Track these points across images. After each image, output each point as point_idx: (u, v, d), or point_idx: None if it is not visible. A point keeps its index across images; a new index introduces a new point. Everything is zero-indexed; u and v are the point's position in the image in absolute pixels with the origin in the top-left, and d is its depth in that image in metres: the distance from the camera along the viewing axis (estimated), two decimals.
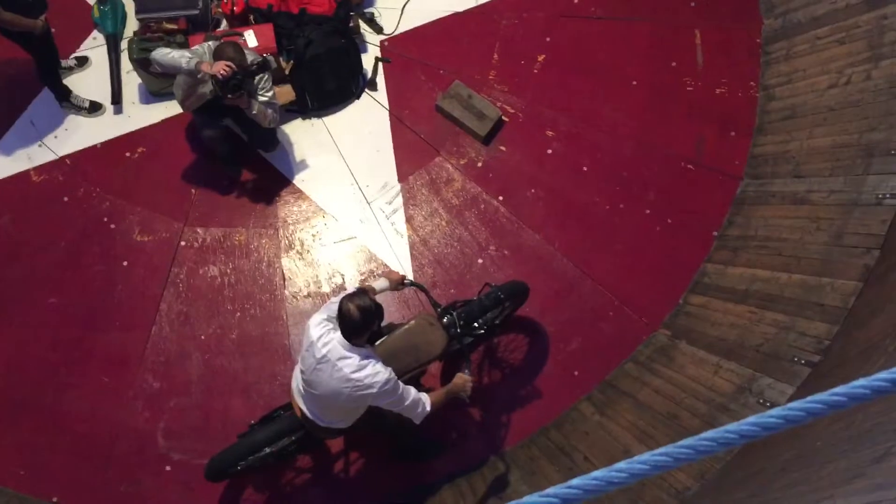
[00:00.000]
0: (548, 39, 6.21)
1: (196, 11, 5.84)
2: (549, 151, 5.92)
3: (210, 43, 5.04)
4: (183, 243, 5.65)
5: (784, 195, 5.36)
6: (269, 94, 5.19)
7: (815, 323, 4.66)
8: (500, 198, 5.78)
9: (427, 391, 4.25)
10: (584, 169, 5.86)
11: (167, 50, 4.93)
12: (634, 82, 6.08)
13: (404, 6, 6.33)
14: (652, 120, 5.98)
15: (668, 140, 5.92)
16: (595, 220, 5.73)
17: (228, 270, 5.60)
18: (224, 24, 6.10)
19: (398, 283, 4.46)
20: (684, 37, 6.20)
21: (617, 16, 6.29)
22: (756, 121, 5.88)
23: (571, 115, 6.01)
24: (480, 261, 5.63)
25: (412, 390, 4.04)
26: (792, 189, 5.31)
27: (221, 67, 4.77)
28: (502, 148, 5.94)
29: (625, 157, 5.88)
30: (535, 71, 6.13)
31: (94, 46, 6.14)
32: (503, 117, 5.97)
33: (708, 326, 5.18)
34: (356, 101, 6.09)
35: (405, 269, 5.56)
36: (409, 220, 5.75)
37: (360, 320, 3.74)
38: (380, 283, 4.38)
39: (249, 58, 4.97)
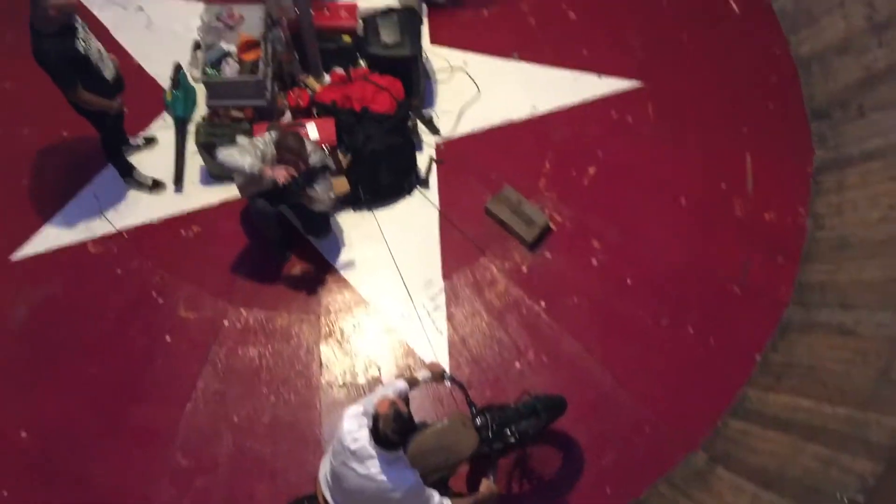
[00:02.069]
0: (599, 153, 6.35)
1: (263, 102, 6.08)
2: (594, 262, 5.95)
3: (273, 133, 5.22)
4: (226, 322, 5.73)
5: (830, 325, 5.29)
6: (326, 185, 5.36)
7: (859, 460, 4.51)
8: (543, 304, 5.80)
9: (455, 495, 4.19)
10: (628, 282, 5.87)
11: (231, 150, 5.08)
12: (683, 201, 6.15)
13: (462, 111, 6.54)
14: (699, 239, 6.02)
15: (714, 260, 5.93)
16: (636, 334, 5.70)
17: (267, 353, 5.64)
18: (288, 115, 6.34)
19: (439, 377, 4.46)
20: (735, 160, 6.30)
21: (669, 136, 6.43)
22: (804, 248, 5.89)
23: (618, 227, 6.07)
24: (518, 365, 5.60)
25: (435, 495, 3.99)
26: (839, 319, 5.24)
27: (282, 175, 4.97)
28: (548, 255, 5.99)
29: (670, 273, 5.89)
30: (585, 182, 6.24)
31: (163, 128, 6.40)
32: (551, 225, 6.05)
33: (747, 453, 5.06)
34: (408, 197, 6.22)
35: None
36: (449, 318, 5.78)
37: (396, 441, 3.77)
38: (422, 374, 4.40)
39: (308, 148, 5.14)
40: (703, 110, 6.55)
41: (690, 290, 5.83)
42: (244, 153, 5.04)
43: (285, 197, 5.33)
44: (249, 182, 5.23)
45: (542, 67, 6.75)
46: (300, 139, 5.05)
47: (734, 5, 7.02)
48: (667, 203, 6.16)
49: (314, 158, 5.22)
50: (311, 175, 5.18)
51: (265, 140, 5.15)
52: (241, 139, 5.20)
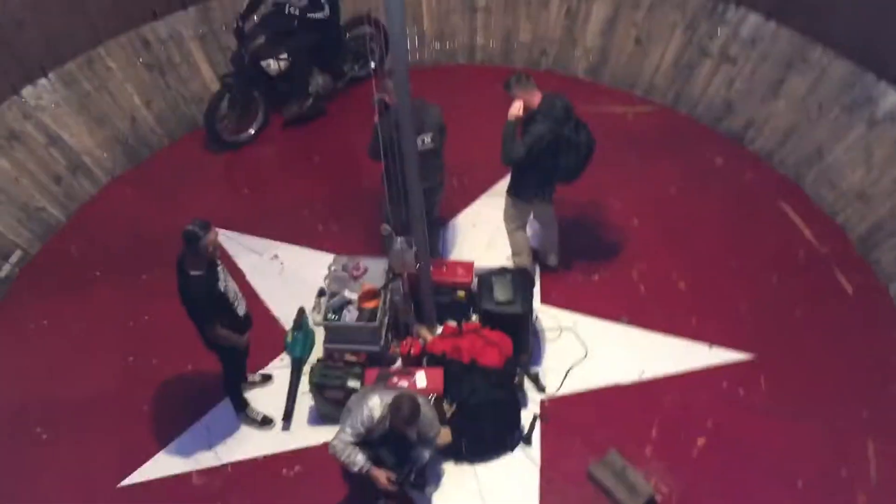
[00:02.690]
0: (709, 424, 6.17)
1: (377, 349, 6.34)
2: None
3: (382, 413, 5.29)
4: None
5: None
6: (431, 448, 5.54)
7: None
8: None
9: None
10: None
11: (344, 445, 5.28)
12: (799, 483, 5.80)
13: (569, 370, 6.58)
14: None
15: None
16: None
17: None
18: (399, 362, 6.54)
19: None
20: (855, 444, 5.98)
21: (782, 411, 6.21)
22: None
23: None
24: None
25: None
26: None
27: (384, 482, 5.28)
28: None
29: None
30: (694, 454, 6.02)
31: (280, 367, 6.69)
32: (656, 495, 5.79)
33: None
34: (509, 453, 6.14)
35: None
36: None
37: None
38: None
39: (424, 410, 5.26)
40: (819, 388, 6.35)
41: None
42: (355, 450, 5.28)
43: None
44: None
45: (651, 333, 6.81)
46: (416, 409, 5.16)
47: (847, 286, 7.03)
48: (782, 484, 5.82)
49: (428, 430, 5.37)
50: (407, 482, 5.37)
51: (376, 403, 5.29)
52: (356, 385, 5.37)
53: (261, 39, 8.44)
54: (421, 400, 5.36)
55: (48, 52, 7.88)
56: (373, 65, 9.10)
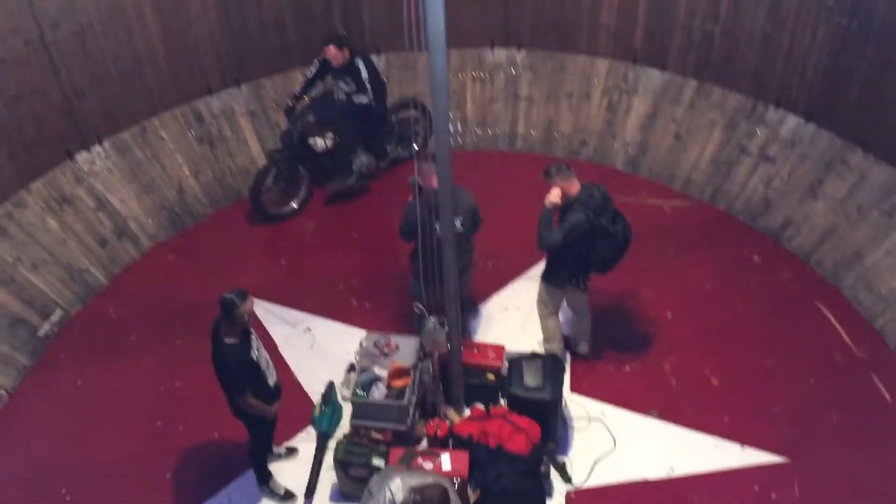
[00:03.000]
0: None
1: (404, 427, 6.30)
2: None
3: (404, 498, 5.13)
4: None
5: None
6: None
7: None
8: None
9: None
10: None
11: None
12: None
13: (596, 462, 6.47)
14: None
15: None
16: None
17: None
18: (424, 443, 6.48)
19: None
20: None
21: None
22: None
23: None
24: None
25: None
26: None
27: None
28: None
29: None
30: None
31: (306, 440, 6.66)
32: None
33: None
34: None
35: None
36: None
37: None
38: None
39: (446, 484, 5.16)
40: (855, 498, 6.13)
41: None
42: None
43: None
44: None
45: (681, 429, 6.69)
46: (446, 501, 5.06)
47: (885, 392, 6.88)
48: None
49: None
50: None
51: (400, 487, 5.16)
52: (380, 463, 5.32)
53: (310, 118, 8.81)
54: (446, 483, 5.29)
55: (105, 121, 8.24)
56: (415, 147, 9.33)
